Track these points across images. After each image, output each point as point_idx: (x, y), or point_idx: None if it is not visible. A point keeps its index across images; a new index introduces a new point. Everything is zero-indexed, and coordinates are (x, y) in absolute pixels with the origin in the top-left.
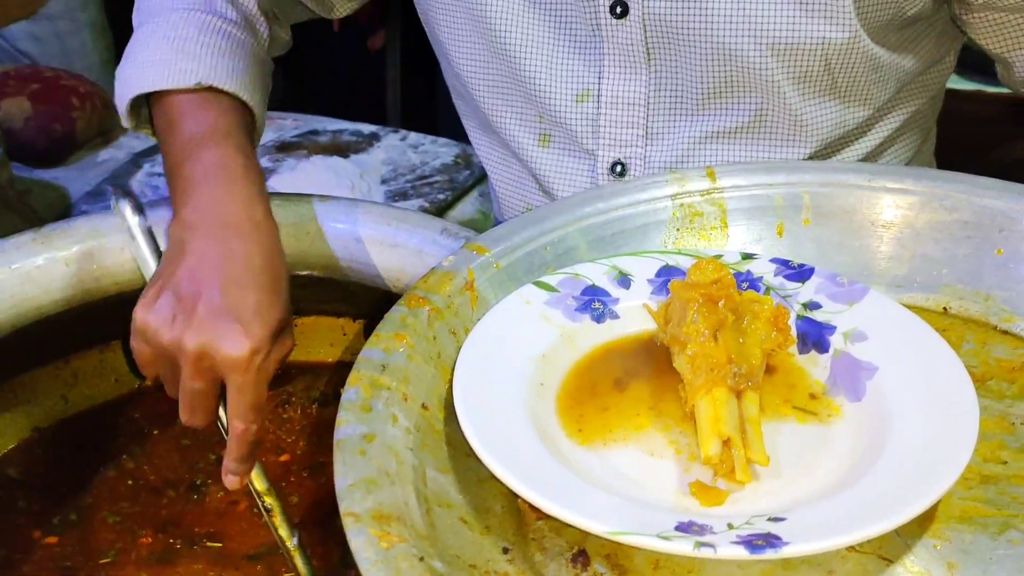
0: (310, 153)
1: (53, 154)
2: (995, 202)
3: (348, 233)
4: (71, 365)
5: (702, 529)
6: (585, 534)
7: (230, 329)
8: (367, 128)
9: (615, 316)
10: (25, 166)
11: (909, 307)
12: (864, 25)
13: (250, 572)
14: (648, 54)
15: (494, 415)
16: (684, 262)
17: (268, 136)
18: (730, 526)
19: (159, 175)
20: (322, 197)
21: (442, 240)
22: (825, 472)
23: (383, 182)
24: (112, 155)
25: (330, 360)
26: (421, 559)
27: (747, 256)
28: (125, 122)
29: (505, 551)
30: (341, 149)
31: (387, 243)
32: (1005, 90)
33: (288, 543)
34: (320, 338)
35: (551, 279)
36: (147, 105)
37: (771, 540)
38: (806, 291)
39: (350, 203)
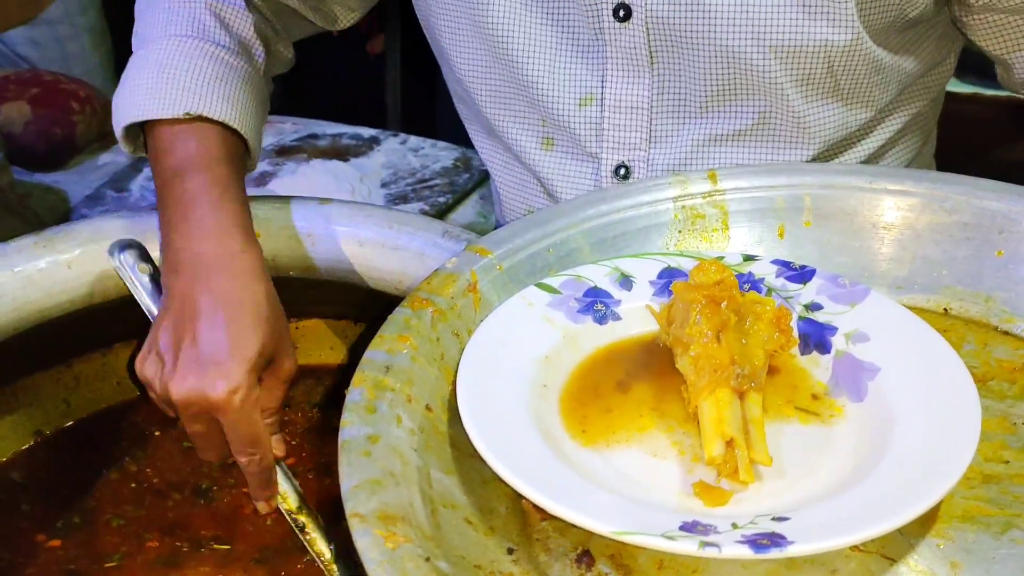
0: (310, 157)
1: (53, 158)
2: (995, 204)
3: (349, 236)
4: (73, 369)
5: (706, 529)
6: (589, 534)
7: (206, 374)
8: (367, 132)
9: (617, 318)
10: (25, 170)
11: (910, 308)
12: (866, 27)
13: (257, 575)
14: (651, 57)
15: (497, 416)
16: (686, 264)
17: (267, 140)
18: (734, 526)
19: None
20: (323, 200)
21: (443, 243)
22: (828, 472)
23: (383, 185)
24: (112, 159)
25: (332, 363)
26: (427, 559)
27: (749, 258)
28: (123, 147)
29: (510, 551)
30: (341, 153)
31: (388, 246)
32: (1003, 92)
33: (324, 559)
34: (321, 341)
35: (553, 281)
36: (142, 132)
37: (776, 539)
38: (808, 292)
39: (351, 206)
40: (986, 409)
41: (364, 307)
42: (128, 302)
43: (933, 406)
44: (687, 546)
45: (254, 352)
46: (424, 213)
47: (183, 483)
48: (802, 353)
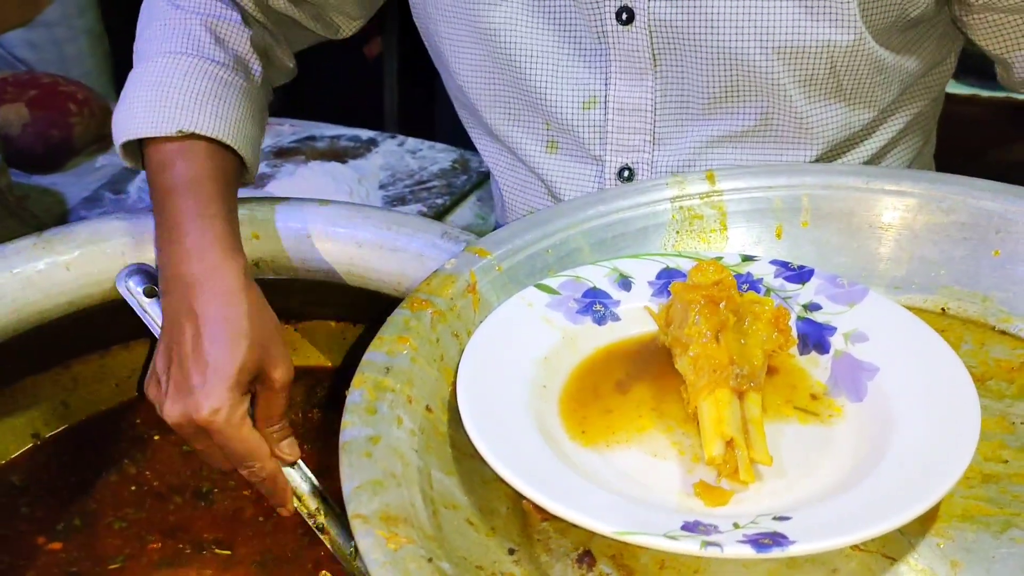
0: (308, 159)
1: (51, 160)
2: (992, 204)
3: (348, 238)
4: (71, 370)
5: (708, 529)
6: (590, 535)
7: (190, 398)
8: (365, 134)
9: (616, 318)
10: (23, 172)
11: (908, 308)
12: (868, 27)
13: None
14: (654, 60)
15: (497, 417)
16: (684, 264)
17: (266, 142)
18: (736, 525)
19: None
20: (322, 201)
21: (442, 244)
22: (828, 472)
23: (381, 187)
24: (110, 161)
25: (330, 364)
26: (429, 560)
27: (747, 258)
28: (126, 163)
29: (511, 552)
30: (339, 154)
31: (387, 247)
32: (1001, 93)
33: (346, 558)
34: (320, 343)
35: (552, 281)
36: (140, 148)
37: (777, 539)
38: (806, 292)
39: (350, 208)
40: (984, 409)
41: (363, 309)
42: (127, 304)
43: (932, 406)
44: (689, 546)
45: (233, 370)
46: (422, 215)
47: (183, 486)
48: (801, 353)
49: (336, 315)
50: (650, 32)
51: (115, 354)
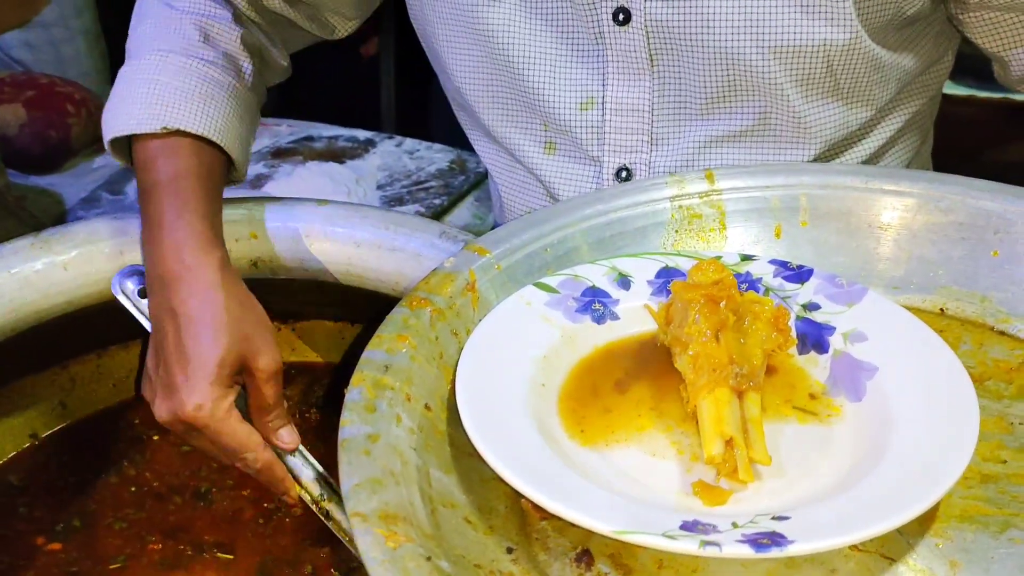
0: (306, 159)
1: (48, 161)
2: (990, 204)
3: (346, 237)
4: (69, 371)
5: (707, 528)
6: (589, 534)
7: (174, 396)
8: (362, 134)
9: (615, 317)
10: (20, 173)
11: (906, 308)
12: (865, 26)
13: None
14: (651, 60)
15: (496, 416)
16: (683, 263)
17: (263, 142)
18: (735, 525)
19: None
20: (320, 201)
21: (440, 243)
22: (827, 472)
23: (379, 187)
24: (107, 161)
25: (329, 363)
26: (428, 559)
27: (746, 257)
28: (116, 160)
29: (509, 551)
30: (337, 155)
31: (385, 247)
32: (998, 94)
33: (353, 546)
34: (318, 342)
35: (551, 280)
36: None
37: (776, 539)
38: (805, 292)
39: (348, 207)
40: (983, 409)
41: (361, 308)
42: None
43: (931, 406)
44: (688, 545)
45: (213, 365)
46: (420, 215)
47: (183, 486)
48: (800, 353)
49: (334, 315)
50: (647, 32)
51: (113, 354)
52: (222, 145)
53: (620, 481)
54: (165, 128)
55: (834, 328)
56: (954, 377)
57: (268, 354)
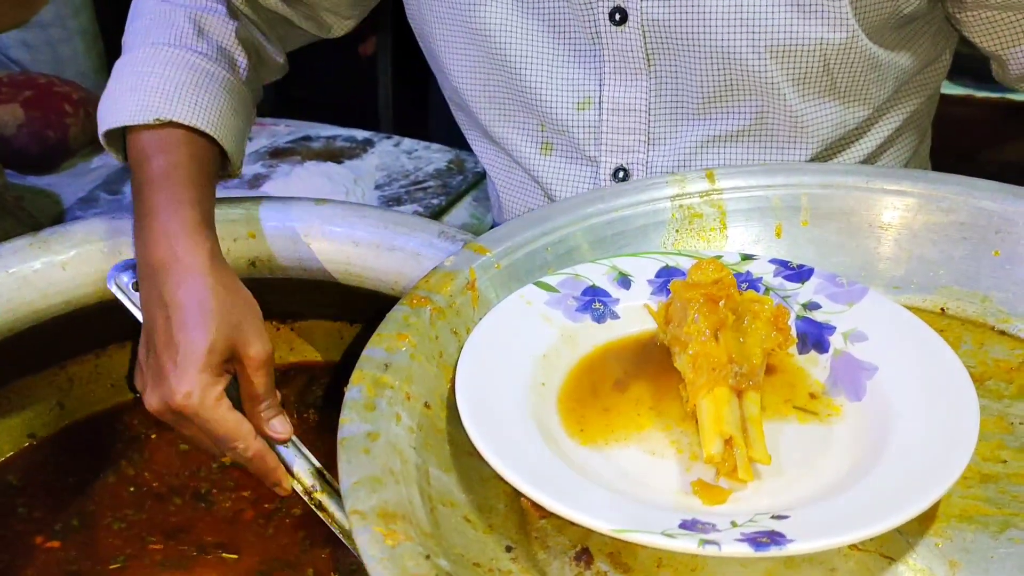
0: (304, 159)
1: (46, 161)
2: (991, 204)
3: (345, 237)
4: (67, 371)
5: (706, 527)
6: (588, 532)
7: (163, 384)
8: (361, 134)
9: (615, 316)
10: (18, 173)
11: (907, 308)
12: (862, 25)
13: None
14: (648, 60)
15: (496, 414)
16: (684, 263)
17: (261, 142)
18: (734, 524)
19: None
20: (319, 201)
21: (439, 243)
22: (827, 471)
23: (377, 187)
24: (105, 161)
25: (328, 363)
26: (427, 557)
27: (746, 257)
28: (112, 155)
29: (508, 549)
30: (335, 155)
31: (384, 246)
32: (995, 94)
33: (345, 535)
34: (317, 342)
35: (552, 279)
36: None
37: (775, 538)
38: (805, 291)
39: (347, 207)
40: (983, 409)
41: (360, 308)
42: (122, 304)
43: (931, 405)
44: (687, 544)
45: (201, 351)
46: (418, 215)
47: (183, 487)
48: (800, 352)
49: (333, 314)
50: (643, 32)
51: (111, 354)
52: (215, 136)
53: (619, 480)
54: (157, 119)
55: (834, 327)
56: (954, 377)
57: (258, 342)
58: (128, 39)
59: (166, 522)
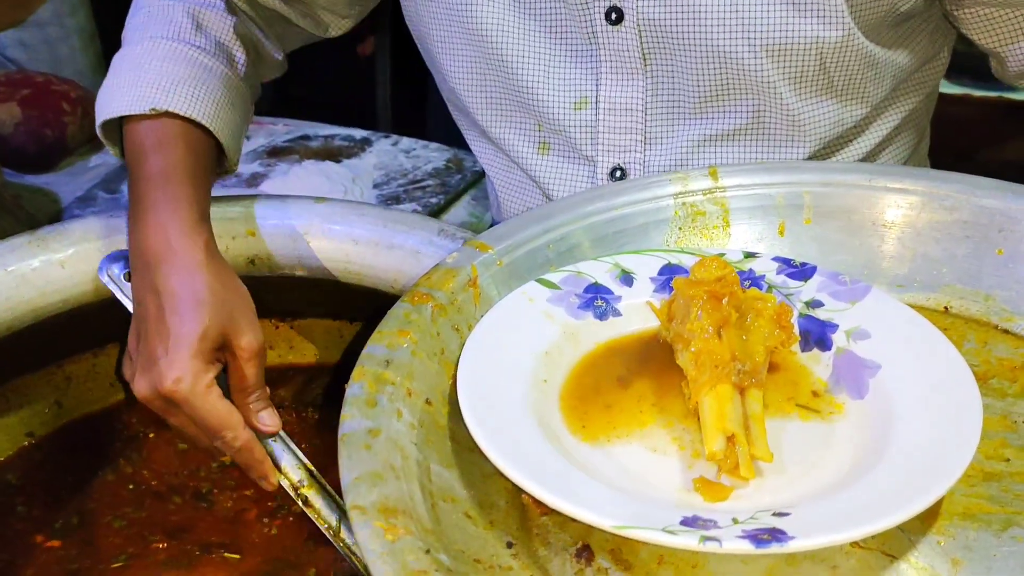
0: (302, 158)
1: (44, 160)
2: (994, 202)
3: (344, 235)
4: (64, 370)
5: (707, 524)
6: (589, 529)
7: (154, 370)
8: (359, 133)
9: (618, 314)
10: (16, 172)
11: (910, 306)
12: (858, 22)
13: None
14: (644, 59)
15: (497, 411)
16: (687, 260)
17: (259, 141)
18: (735, 521)
19: None
20: (318, 199)
21: (439, 241)
22: (829, 469)
23: (375, 186)
24: (103, 160)
25: (327, 362)
26: (427, 552)
27: (749, 255)
28: (110, 150)
29: (509, 546)
30: (333, 154)
31: (384, 244)
32: (993, 93)
33: (330, 530)
34: (316, 340)
35: (554, 276)
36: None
37: (776, 535)
38: (808, 289)
39: (346, 205)
40: (987, 407)
41: (359, 306)
42: (121, 303)
43: (934, 404)
44: (688, 540)
45: (194, 338)
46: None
47: (182, 486)
48: (803, 350)
49: (332, 313)
50: (639, 32)
51: (109, 353)
52: (211, 129)
53: (621, 477)
54: (154, 109)
55: (837, 325)
56: (957, 375)
57: (251, 333)
58: (127, 34)
59: (167, 521)
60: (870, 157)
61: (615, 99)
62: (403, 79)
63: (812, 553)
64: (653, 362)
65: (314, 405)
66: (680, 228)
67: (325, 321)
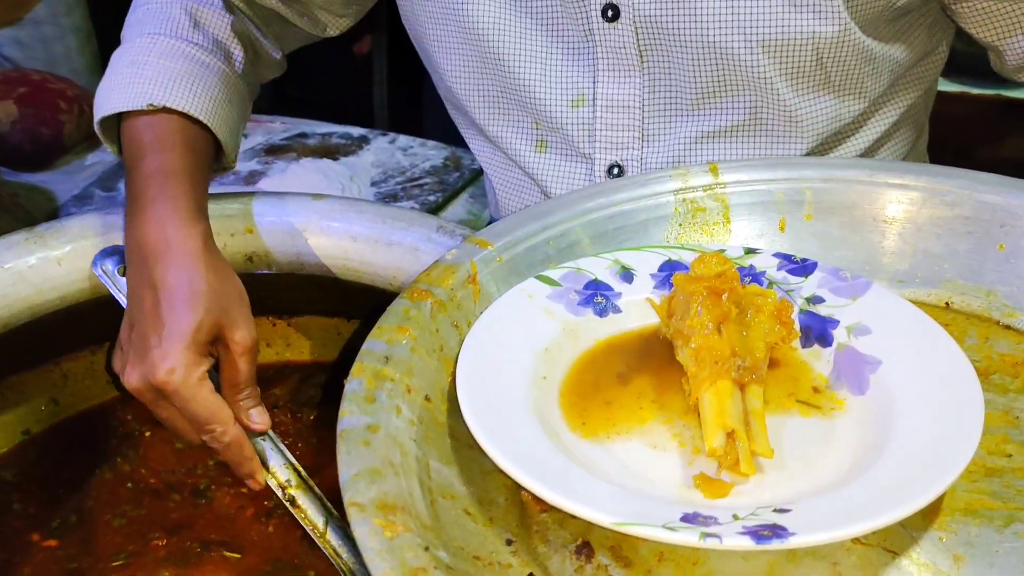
0: (299, 156)
1: (40, 158)
2: (995, 197)
3: (343, 232)
4: (61, 367)
5: (707, 520)
6: (589, 526)
7: (146, 360)
8: (356, 131)
9: (617, 310)
10: (12, 170)
11: (911, 302)
12: (855, 18)
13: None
14: (641, 56)
15: (497, 408)
16: (687, 257)
17: (257, 139)
18: (735, 517)
19: None
20: (317, 196)
21: (438, 237)
22: (829, 465)
23: (373, 184)
24: (100, 158)
25: (325, 360)
26: (426, 549)
27: (750, 251)
28: (108, 148)
29: (509, 543)
30: (331, 152)
31: (382, 241)
32: (990, 91)
33: (316, 531)
34: (314, 338)
35: (553, 273)
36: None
37: (777, 531)
38: (809, 285)
39: (344, 202)
40: (988, 403)
41: (358, 303)
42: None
43: (935, 399)
44: (688, 537)
45: (188, 330)
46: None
47: (180, 484)
48: (803, 346)
49: (330, 310)
50: (635, 29)
51: (106, 350)
52: (208, 124)
53: (621, 473)
54: (151, 105)
55: (838, 321)
56: (959, 370)
57: (245, 328)
58: (126, 31)
59: (167, 519)
60: (868, 153)
61: (612, 96)
62: (400, 77)
63: (813, 549)
64: (653, 358)
65: (311, 403)
66: (680, 224)
67: (323, 319)
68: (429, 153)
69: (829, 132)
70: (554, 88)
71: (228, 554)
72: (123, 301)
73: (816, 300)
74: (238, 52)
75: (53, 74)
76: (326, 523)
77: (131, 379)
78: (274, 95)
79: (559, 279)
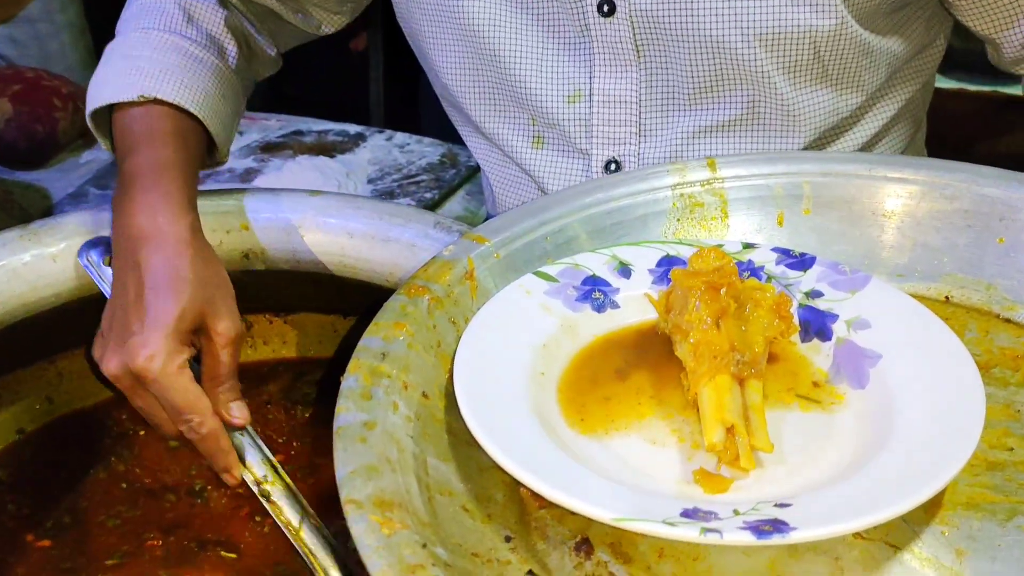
0: (296, 153)
1: (35, 156)
2: (995, 191)
3: (339, 228)
4: (56, 365)
5: (708, 515)
6: (588, 522)
7: (126, 346)
8: (353, 128)
9: (616, 306)
10: (6, 168)
11: (911, 296)
12: (852, 11)
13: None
14: (637, 51)
15: (495, 404)
16: (685, 252)
17: (253, 137)
18: (736, 512)
19: None
20: (313, 192)
21: (435, 234)
22: (830, 459)
23: (370, 182)
24: (95, 156)
25: (321, 357)
26: (424, 546)
27: (748, 245)
28: (101, 144)
29: (507, 539)
30: (327, 149)
31: (379, 238)
32: (987, 87)
33: (291, 528)
34: (311, 335)
35: (551, 269)
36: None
37: (778, 526)
38: (808, 280)
39: (341, 198)
40: (989, 397)
41: (354, 301)
42: None
43: (936, 393)
44: (688, 532)
45: (171, 318)
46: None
47: (176, 484)
48: (802, 341)
49: (327, 307)
50: (632, 23)
51: None
52: (199, 117)
53: (620, 469)
54: (142, 96)
55: (837, 316)
56: (959, 364)
57: (229, 319)
58: (120, 26)
59: (162, 519)
60: (867, 147)
61: (609, 92)
62: (396, 74)
63: (814, 544)
64: (651, 354)
65: (306, 400)
66: (678, 219)
67: (319, 315)
68: (425, 150)
69: (827, 126)
70: (550, 84)
71: (224, 554)
72: (106, 290)
73: (815, 294)
74: (232, 48)
75: (48, 71)
76: (301, 521)
77: (110, 365)
78: (270, 92)
79: (557, 275)
